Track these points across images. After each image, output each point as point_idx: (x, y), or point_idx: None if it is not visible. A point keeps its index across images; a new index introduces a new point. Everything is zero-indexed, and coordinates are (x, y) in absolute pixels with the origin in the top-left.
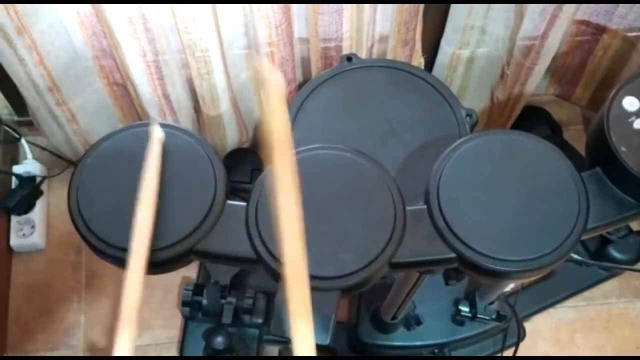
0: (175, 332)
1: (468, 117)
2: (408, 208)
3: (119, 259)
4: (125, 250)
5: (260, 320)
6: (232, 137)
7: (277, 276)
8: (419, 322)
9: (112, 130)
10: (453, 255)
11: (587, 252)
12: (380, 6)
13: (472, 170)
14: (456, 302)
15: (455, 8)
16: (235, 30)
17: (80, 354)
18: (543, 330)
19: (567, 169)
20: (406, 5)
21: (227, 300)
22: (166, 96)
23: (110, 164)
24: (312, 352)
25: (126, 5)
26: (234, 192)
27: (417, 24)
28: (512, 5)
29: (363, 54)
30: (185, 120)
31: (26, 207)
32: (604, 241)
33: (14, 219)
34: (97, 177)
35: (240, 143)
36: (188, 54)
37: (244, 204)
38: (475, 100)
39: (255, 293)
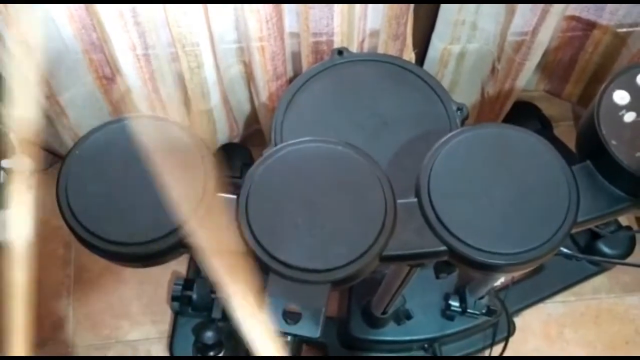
0: (165, 327)
1: (459, 111)
2: (399, 201)
3: (109, 252)
4: (113, 243)
5: None
6: (222, 132)
7: (267, 270)
8: (409, 317)
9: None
10: (443, 248)
11: (577, 247)
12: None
13: (463, 163)
14: (446, 297)
15: (446, 3)
16: (225, 24)
17: (68, 350)
18: (533, 325)
19: (557, 162)
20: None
21: (217, 294)
22: (156, 90)
23: (99, 156)
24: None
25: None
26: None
27: (408, 19)
28: None
29: (354, 49)
30: (175, 114)
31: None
32: (594, 236)
33: (2, 214)
34: (86, 170)
35: (231, 137)
36: (178, 47)
37: (234, 196)
38: (466, 95)
39: None
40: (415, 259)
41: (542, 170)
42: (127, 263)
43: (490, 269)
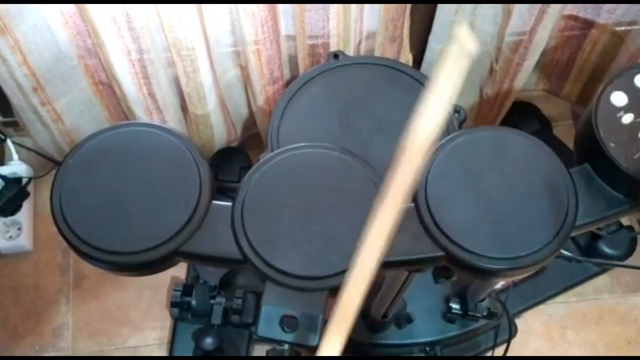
0: (164, 333)
1: (456, 114)
2: None
3: (104, 261)
4: (108, 252)
5: (249, 321)
6: (220, 136)
7: (264, 277)
8: (409, 320)
9: (96, 130)
10: (441, 253)
11: (578, 247)
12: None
13: (460, 167)
14: (447, 300)
15: (443, 4)
16: (221, 28)
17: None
18: (534, 326)
19: (555, 165)
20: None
21: (217, 300)
22: (152, 95)
23: (93, 165)
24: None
25: (110, 4)
26: (222, 191)
27: (405, 21)
28: None
29: (350, 51)
30: (172, 119)
31: (12, 208)
32: (595, 236)
33: (0, 221)
34: (80, 179)
35: (229, 142)
36: (173, 52)
37: (229, 203)
38: (464, 97)
39: (244, 293)
40: (413, 265)
41: (540, 174)
42: (123, 272)
43: (489, 274)
